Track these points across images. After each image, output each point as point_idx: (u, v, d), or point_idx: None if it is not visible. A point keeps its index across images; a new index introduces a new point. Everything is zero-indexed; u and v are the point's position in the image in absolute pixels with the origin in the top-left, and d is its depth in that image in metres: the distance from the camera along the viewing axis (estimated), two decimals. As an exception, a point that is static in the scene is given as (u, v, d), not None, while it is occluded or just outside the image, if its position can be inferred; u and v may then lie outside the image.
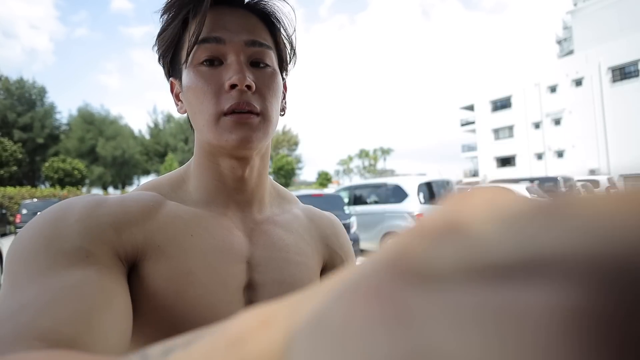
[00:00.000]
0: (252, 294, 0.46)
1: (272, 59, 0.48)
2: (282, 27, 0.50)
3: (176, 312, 0.42)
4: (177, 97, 0.52)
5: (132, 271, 0.42)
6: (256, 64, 0.46)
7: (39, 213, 0.42)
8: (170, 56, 0.49)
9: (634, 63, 25.37)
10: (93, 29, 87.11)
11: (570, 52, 33.06)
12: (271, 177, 0.59)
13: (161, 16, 0.46)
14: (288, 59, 0.53)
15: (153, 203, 0.45)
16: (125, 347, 0.37)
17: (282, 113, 0.53)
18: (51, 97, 43.35)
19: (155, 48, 0.50)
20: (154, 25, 0.48)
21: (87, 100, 48.89)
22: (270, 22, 0.49)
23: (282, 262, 0.49)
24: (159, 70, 0.54)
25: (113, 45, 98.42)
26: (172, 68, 0.50)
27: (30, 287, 0.34)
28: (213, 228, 0.46)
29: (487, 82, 35.80)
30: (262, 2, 0.48)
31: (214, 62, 0.45)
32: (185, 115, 0.51)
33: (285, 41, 0.51)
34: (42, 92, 32.69)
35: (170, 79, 0.52)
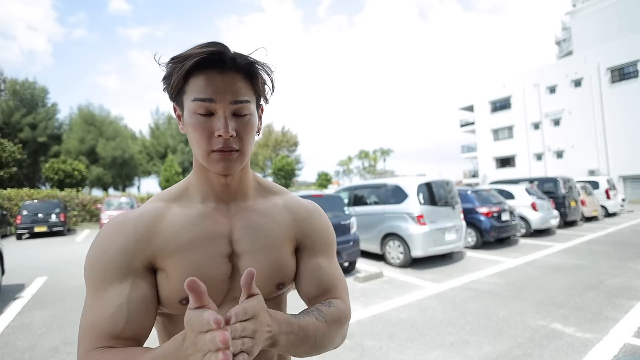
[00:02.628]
0: (235, 259, 0.68)
1: (249, 108, 0.65)
2: (260, 78, 0.66)
3: (176, 282, 0.63)
4: (178, 118, 0.69)
5: (156, 270, 0.66)
6: (238, 113, 0.64)
7: (96, 235, 0.65)
8: (175, 92, 0.65)
9: (633, 64, 25.40)
10: (91, 30, 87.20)
11: (570, 53, 33.09)
12: (259, 175, 0.81)
13: (168, 64, 0.63)
14: (266, 94, 0.70)
15: (158, 216, 0.67)
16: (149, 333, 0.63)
17: (258, 134, 0.71)
18: (52, 98, 43.51)
19: (163, 83, 0.65)
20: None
21: (90, 102, 48.94)
22: (250, 74, 0.65)
23: (255, 237, 0.70)
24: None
25: (111, 46, 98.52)
26: (175, 98, 0.66)
27: (98, 300, 0.60)
28: (200, 221, 0.68)
29: (487, 83, 35.81)
30: (241, 66, 0.63)
31: (207, 113, 0.63)
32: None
33: (262, 88, 0.68)
34: (44, 92, 32.68)
35: (173, 103, 0.68)
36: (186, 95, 0.63)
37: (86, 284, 0.63)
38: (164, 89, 0.66)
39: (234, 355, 0.47)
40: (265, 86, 0.69)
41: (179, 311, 0.65)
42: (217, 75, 0.62)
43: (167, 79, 0.64)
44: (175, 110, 0.69)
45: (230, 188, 0.71)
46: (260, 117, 0.72)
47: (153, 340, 0.67)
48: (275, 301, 0.75)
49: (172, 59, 0.62)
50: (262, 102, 0.71)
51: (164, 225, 0.66)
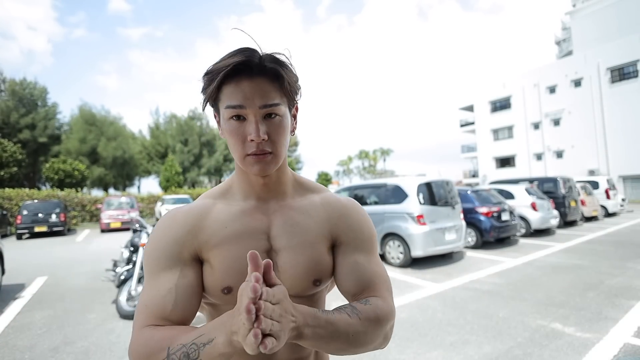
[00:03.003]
0: (273, 255, 0.72)
1: (280, 109, 0.67)
2: (286, 79, 0.67)
3: (219, 273, 0.69)
4: (218, 124, 0.73)
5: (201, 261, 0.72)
6: (269, 116, 0.67)
7: (154, 225, 0.75)
8: (212, 102, 0.70)
9: (633, 64, 25.40)
10: (91, 30, 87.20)
11: (569, 53, 33.09)
12: (298, 174, 0.84)
13: (203, 77, 0.67)
14: (295, 95, 0.71)
15: (204, 211, 0.74)
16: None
17: (293, 133, 0.74)
18: (52, 97, 43.40)
19: (202, 95, 0.70)
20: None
21: (86, 101, 48.89)
22: (277, 76, 0.67)
23: (292, 234, 0.73)
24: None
25: (111, 46, 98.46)
26: (213, 106, 0.71)
27: (153, 284, 0.67)
28: (241, 218, 0.73)
29: (487, 83, 35.81)
30: (269, 69, 0.66)
31: (240, 117, 0.66)
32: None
33: (292, 89, 0.69)
34: (44, 92, 32.64)
35: (213, 111, 0.73)
36: (221, 102, 0.68)
37: (144, 269, 0.71)
38: (203, 100, 0.70)
39: (264, 336, 0.48)
40: (294, 86, 0.71)
41: (222, 300, 0.70)
42: (246, 81, 0.65)
43: (204, 91, 0.68)
44: (215, 117, 0.73)
45: (269, 187, 0.75)
46: (294, 117, 0.75)
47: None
48: (312, 299, 0.75)
49: (206, 73, 0.66)
50: (296, 101, 0.74)
51: (209, 220, 0.72)
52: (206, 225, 0.71)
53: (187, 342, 0.56)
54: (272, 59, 0.66)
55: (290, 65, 0.69)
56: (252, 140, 0.65)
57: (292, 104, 0.72)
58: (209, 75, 0.66)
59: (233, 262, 0.68)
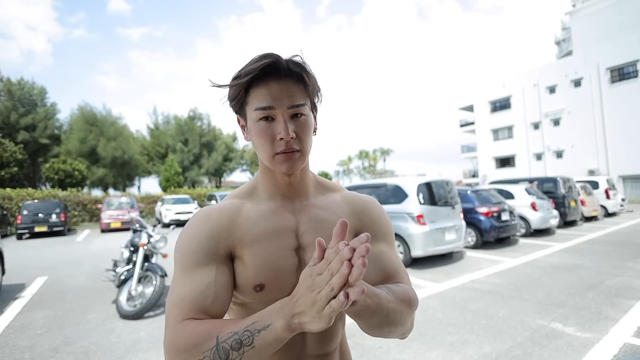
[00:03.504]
0: (301, 253, 0.73)
1: (306, 109, 0.72)
2: (310, 82, 0.72)
3: (251, 270, 0.70)
4: (242, 128, 0.77)
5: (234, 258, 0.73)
6: (295, 116, 0.71)
7: (188, 221, 0.74)
8: (239, 106, 0.74)
9: (633, 64, 25.41)
10: (91, 30, 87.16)
11: (569, 53, 33.09)
12: (317, 174, 0.86)
13: (230, 82, 0.71)
14: (317, 99, 0.77)
15: (236, 210, 0.75)
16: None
17: (315, 133, 0.77)
18: (51, 98, 43.23)
19: (227, 99, 0.74)
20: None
21: (85, 101, 48.88)
22: (301, 79, 0.71)
23: (318, 230, 0.75)
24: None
25: (111, 46, 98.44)
26: (239, 111, 0.75)
27: (188, 278, 0.67)
28: (270, 216, 0.75)
29: (487, 83, 35.81)
30: (294, 72, 0.70)
31: (268, 118, 0.70)
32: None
33: (313, 90, 0.74)
34: (43, 92, 32.59)
35: (237, 115, 0.76)
36: (249, 106, 0.71)
37: (176, 264, 0.71)
38: (229, 105, 0.74)
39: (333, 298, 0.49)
40: (316, 87, 0.76)
41: (253, 298, 0.71)
42: (274, 83, 0.69)
43: (232, 96, 0.72)
44: (239, 122, 0.77)
45: (294, 187, 0.78)
46: (315, 118, 0.78)
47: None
48: None
49: (234, 78, 0.70)
50: (317, 103, 0.78)
51: (241, 218, 0.74)
52: (239, 223, 0.73)
53: (240, 330, 0.57)
54: (296, 63, 0.70)
55: (310, 68, 0.73)
56: (281, 139, 0.69)
57: (315, 106, 0.77)
58: (238, 80, 0.69)
59: (266, 259, 0.70)
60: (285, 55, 0.70)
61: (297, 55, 0.72)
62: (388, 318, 0.66)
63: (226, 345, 0.56)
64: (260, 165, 0.79)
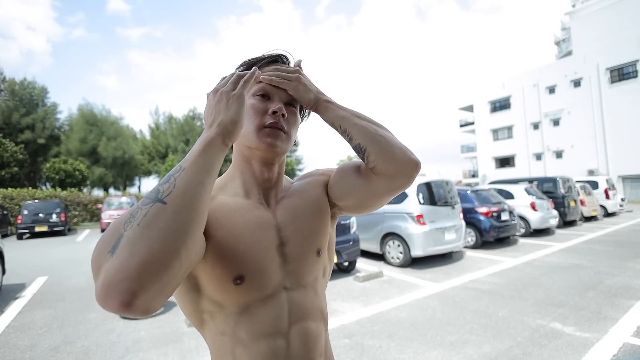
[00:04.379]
0: (282, 249, 0.71)
1: (297, 105, 0.77)
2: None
3: (231, 260, 0.64)
4: None
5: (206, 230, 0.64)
6: (289, 105, 0.75)
7: None
8: None
9: (632, 64, 25.42)
10: (90, 31, 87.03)
11: (569, 53, 33.07)
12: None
13: (239, 66, 0.76)
14: (304, 116, 0.83)
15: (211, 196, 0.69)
16: (199, 259, 0.59)
17: (296, 144, 0.81)
18: (51, 97, 43.05)
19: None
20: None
21: (86, 100, 48.84)
22: None
23: (295, 219, 0.74)
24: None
25: (110, 46, 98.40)
26: None
27: None
28: (250, 209, 0.72)
29: (486, 83, 35.81)
30: None
31: (265, 96, 0.73)
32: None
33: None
34: (44, 92, 32.57)
35: None
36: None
37: None
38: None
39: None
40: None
41: (232, 294, 0.64)
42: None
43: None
44: None
45: (271, 181, 0.76)
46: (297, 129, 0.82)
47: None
48: (315, 287, 0.76)
49: (243, 62, 0.76)
50: (302, 117, 0.83)
51: (216, 202, 0.69)
52: (215, 205, 0.68)
53: (159, 183, 0.53)
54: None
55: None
56: (274, 113, 0.70)
57: (302, 110, 0.81)
58: (246, 64, 0.75)
59: (246, 251, 0.65)
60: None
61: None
62: (375, 122, 0.74)
63: (154, 187, 0.52)
64: (237, 159, 0.77)
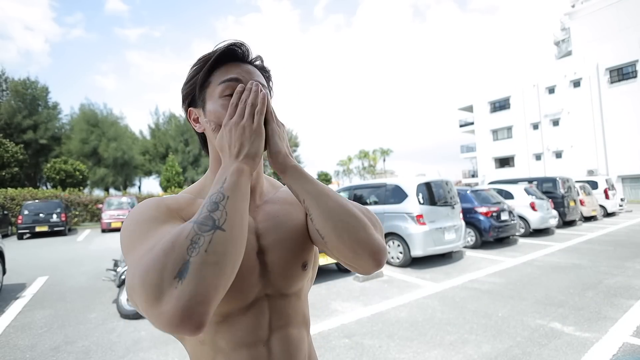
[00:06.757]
0: (262, 257, 0.68)
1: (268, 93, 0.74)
2: (270, 76, 0.76)
3: None
4: (195, 121, 0.74)
5: None
6: None
7: (136, 205, 0.66)
8: (192, 95, 0.72)
9: (632, 64, 25.44)
10: (88, 31, 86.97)
11: (569, 54, 33.10)
12: (267, 175, 0.84)
13: (192, 68, 0.70)
14: (271, 92, 0.78)
15: (190, 200, 0.70)
16: None
17: None
18: (52, 97, 42.94)
19: (184, 88, 0.72)
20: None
21: (88, 99, 48.87)
22: (264, 70, 0.75)
23: (276, 226, 0.71)
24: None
25: (109, 46, 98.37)
26: (191, 101, 0.72)
27: (148, 240, 0.54)
28: None
29: (486, 83, 35.82)
30: (255, 61, 0.73)
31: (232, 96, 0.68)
32: (198, 130, 0.74)
33: (271, 81, 0.77)
34: (45, 91, 32.52)
35: (190, 108, 0.73)
36: (211, 85, 0.69)
37: (131, 237, 0.57)
38: (186, 94, 0.72)
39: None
40: (271, 82, 0.78)
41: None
42: (238, 63, 0.70)
43: (191, 78, 0.70)
44: (190, 115, 0.74)
45: (250, 185, 0.71)
46: None
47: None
48: (299, 295, 0.73)
49: (198, 60, 0.70)
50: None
51: (195, 207, 0.67)
52: (195, 207, 0.67)
53: (205, 202, 0.54)
54: (256, 56, 0.73)
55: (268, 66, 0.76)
56: None
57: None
58: (201, 60, 0.69)
59: None
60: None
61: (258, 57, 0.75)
62: (337, 199, 0.64)
63: (204, 214, 0.52)
64: (214, 163, 0.73)
